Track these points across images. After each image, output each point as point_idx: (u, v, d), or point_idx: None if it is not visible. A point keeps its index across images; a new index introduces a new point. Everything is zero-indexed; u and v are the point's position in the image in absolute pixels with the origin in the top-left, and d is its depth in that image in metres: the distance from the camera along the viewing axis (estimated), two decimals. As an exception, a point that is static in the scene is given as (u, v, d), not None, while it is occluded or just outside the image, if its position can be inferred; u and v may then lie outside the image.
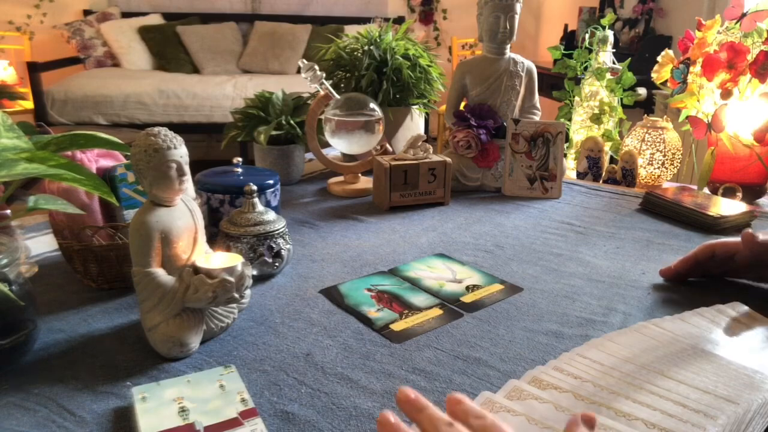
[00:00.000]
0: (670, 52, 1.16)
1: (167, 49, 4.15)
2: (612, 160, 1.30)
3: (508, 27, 1.03)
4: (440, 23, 4.75)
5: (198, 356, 0.55)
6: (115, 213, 0.69)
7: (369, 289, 0.69)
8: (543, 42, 4.51)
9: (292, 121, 1.07)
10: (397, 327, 0.61)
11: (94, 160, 0.70)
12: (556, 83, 2.58)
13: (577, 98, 1.34)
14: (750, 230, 0.69)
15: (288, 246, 0.72)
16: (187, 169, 0.55)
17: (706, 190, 1.10)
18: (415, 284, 0.71)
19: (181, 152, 0.54)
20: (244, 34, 4.38)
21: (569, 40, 3.72)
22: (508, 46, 1.06)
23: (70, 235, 0.65)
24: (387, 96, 1.11)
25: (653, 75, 1.17)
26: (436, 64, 1.18)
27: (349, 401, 0.49)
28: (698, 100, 1.08)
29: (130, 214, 0.70)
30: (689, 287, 0.71)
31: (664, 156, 1.17)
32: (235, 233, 0.69)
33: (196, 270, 0.55)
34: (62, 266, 0.72)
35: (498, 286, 0.71)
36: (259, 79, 3.93)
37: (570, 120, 1.37)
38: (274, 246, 0.70)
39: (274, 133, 1.04)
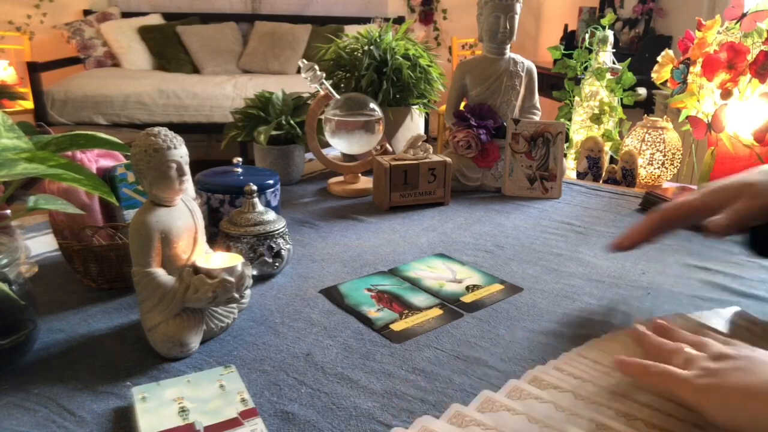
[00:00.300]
0: (670, 52, 1.16)
1: (167, 49, 4.16)
2: (612, 160, 1.30)
3: (508, 27, 1.03)
4: (440, 23, 4.75)
5: (198, 356, 0.55)
6: (115, 213, 0.69)
7: (369, 289, 0.69)
8: (543, 42, 4.51)
9: (292, 121, 1.07)
10: (397, 327, 0.61)
11: (94, 160, 0.70)
12: (556, 83, 2.58)
13: (577, 98, 1.34)
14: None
15: (288, 246, 0.72)
16: (187, 169, 0.55)
17: (706, 190, 1.09)
18: (415, 284, 0.71)
19: (181, 152, 0.54)
20: (244, 34, 4.38)
21: (569, 40, 3.72)
22: (508, 46, 1.06)
23: (70, 235, 0.65)
24: (387, 96, 1.11)
25: (653, 75, 1.17)
26: (436, 64, 1.18)
27: (349, 401, 0.49)
28: (698, 100, 1.09)
29: (130, 214, 0.70)
30: (688, 288, 0.71)
31: (664, 156, 1.17)
32: (235, 233, 0.69)
33: (196, 270, 0.55)
34: (62, 266, 0.72)
35: (498, 286, 0.70)
36: (259, 79, 3.93)
37: (570, 120, 1.37)
38: (274, 246, 0.70)
39: (274, 133, 1.04)
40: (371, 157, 1.02)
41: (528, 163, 1.04)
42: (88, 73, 3.90)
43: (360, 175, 1.08)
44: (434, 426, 0.45)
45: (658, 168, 1.18)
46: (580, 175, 1.22)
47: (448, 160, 0.99)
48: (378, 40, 1.15)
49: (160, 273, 0.54)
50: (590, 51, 1.34)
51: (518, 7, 1.03)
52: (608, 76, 1.29)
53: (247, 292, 0.61)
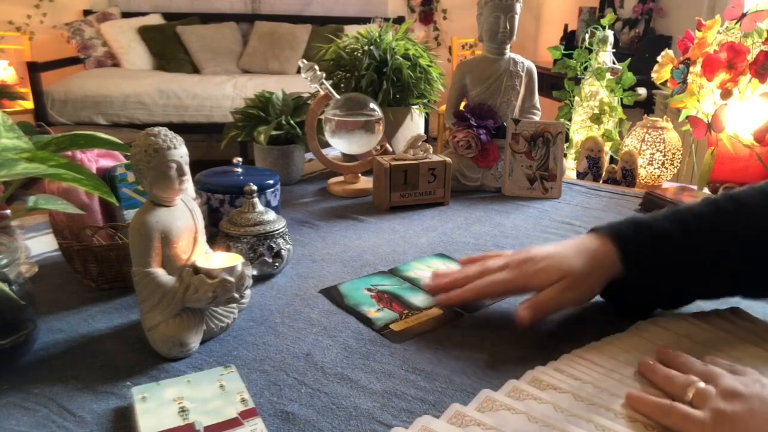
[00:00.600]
0: (670, 52, 1.16)
1: (167, 49, 4.15)
2: (612, 160, 1.30)
3: (508, 27, 1.02)
4: (440, 23, 4.75)
5: (198, 356, 0.55)
6: (115, 213, 0.69)
7: (369, 289, 0.69)
8: (543, 42, 4.51)
9: (292, 121, 1.07)
10: (396, 327, 0.61)
11: (94, 160, 0.70)
12: (556, 83, 2.57)
13: (577, 98, 1.34)
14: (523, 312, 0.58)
15: (288, 246, 0.72)
16: (187, 169, 0.55)
17: (706, 190, 1.10)
18: (415, 284, 0.70)
19: (181, 152, 0.54)
20: (244, 34, 4.38)
21: (569, 40, 3.72)
22: (508, 46, 1.06)
23: (70, 235, 0.65)
24: (387, 96, 1.11)
25: (653, 75, 1.17)
26: (436, 64, 1.18)
27: (349, 401, 0.49)
28: (698, 100, 1.09)
29: (130, 214, 0.70)
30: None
31: (664, 156, 1.17)
32: (235, 233, 0.69)
33: (196, 270, 0.55)
34: (62, 266, 0.71)
35: (498, 286, 0.70)
36: (259, 79, 3.93)
37: (570, 120, 1.37)
38: (274, 246, 0.70)
39: (274, 133, 1.04)
40: (371, 157, 1.02)
41: (528, 163, 1.04)
42: (88, 73, 3.90)
43: (360, 175, 1.08)
44: (434, 426, 0.45)
45: (658, 168, 1.18)
46: (580, 175, 1.22)
47: (448, 160, 0.99)
48: (378, 40, 1.15)
49: (160, 273, 0.54)
50: (590, 51, 1.34)
51: (518, 7, 1.03)
52: (608, 76, 1.29)
53: (247, 292, 0.61)
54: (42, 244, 0.79)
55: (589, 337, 0.58)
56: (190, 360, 0.54)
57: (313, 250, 0.80)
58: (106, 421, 0.46)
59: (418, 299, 0.67)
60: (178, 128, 1.53)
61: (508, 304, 0.66)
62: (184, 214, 0.56)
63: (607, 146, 1.28)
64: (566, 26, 3.92)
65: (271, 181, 0.82)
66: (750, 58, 1.00)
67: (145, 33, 4.16)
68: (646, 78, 1.33)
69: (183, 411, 0.46)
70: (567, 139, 1.34)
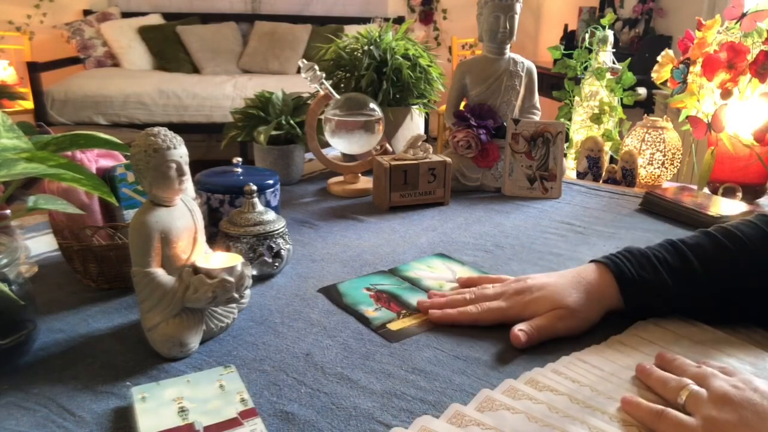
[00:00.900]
0: (670, 52, 1.16)
1: (167, 49, 4.15)
2: (612, 160, 1.30)
3: (508, 27, 1.02)
4: (440, 23, 4.75)
5: (198, 356, 0.55)
6: (115, 213, 0.69)
7: (368, 289, 0.69)
8: (543, 42, 4.51)
9: (292, 121, 1.07)
10: (394, 326, 0.61)
11: (94, 160, 0.70)
12: (556, 83, 2.58)
13: (577, 98, 1.34)
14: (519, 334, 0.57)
15: (288, 246, 0.72)
16: (187, 169, 0.55)
17: (706, 190, 1.10)
18: (415, 284, 0.71)
19: (180, 152, 0.54)
20: (244, 34, 4.38)
21: (569, 40, 3.72)
22: (508, 46, 1.06)
23: (70, 235, 0.65)
24: (387, 96, 1.11)
25: (653, 75, 1.17)
26: (436, 64, 1.18)
27: (349, 401, 0.49)
28: (698, 100, 1.09)
29: (130, 214, 0.70)
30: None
31: (664, 156, 1.17)
32: (234, 233, 0.69)
33: (195, 270, 0.55)
34: (62, 266, 0.71)
35: (498, 286, 0.70)
36: (259, 79, 3.93)
37: (570, 120, 1.37)
38: (273, 246, 0.70)
39: (274, 133, 1.04)
40: (371, 157, 1.02)
41: (528, 163, 1.04)
42: (88, 73, 3.90)
43: (360, 175, 1.08)
44: (434, 426, 0.45)
45: (658, 168, 1.18)
46: (580, 175, 1.22)
47: (448, 160, 0.99)
48: (378, 40, 1.15)
49: (160, 273, 0.54)
50: (590, 51, 1.34)
51: (518, 7, 1.03)
52: (608, 76, 1.29)
53: (247, 292, 0.61)
54: (42, 244, 0.79)
55: (589, 339, 0.58)
56: (189, 360, 0.54)
57: (313, 250, 0.80)
58: (106, 421, 0.46)
59: (417, 299, 0.67)
60: (178, 128, 1.52)
61: (507, 304, 0.66)
62: (183, 214, 0.56)
63: (607, 146, 1.28)
64: (566, 26, 3.92)
65: (270, 181, 0.82)
66: (750, 58, 1.00)
67: (145, 33, 4.16)
68: (646, 78, 1.33)
69: (183, 411, 0.46)
70: (567, 139, 1.34)
